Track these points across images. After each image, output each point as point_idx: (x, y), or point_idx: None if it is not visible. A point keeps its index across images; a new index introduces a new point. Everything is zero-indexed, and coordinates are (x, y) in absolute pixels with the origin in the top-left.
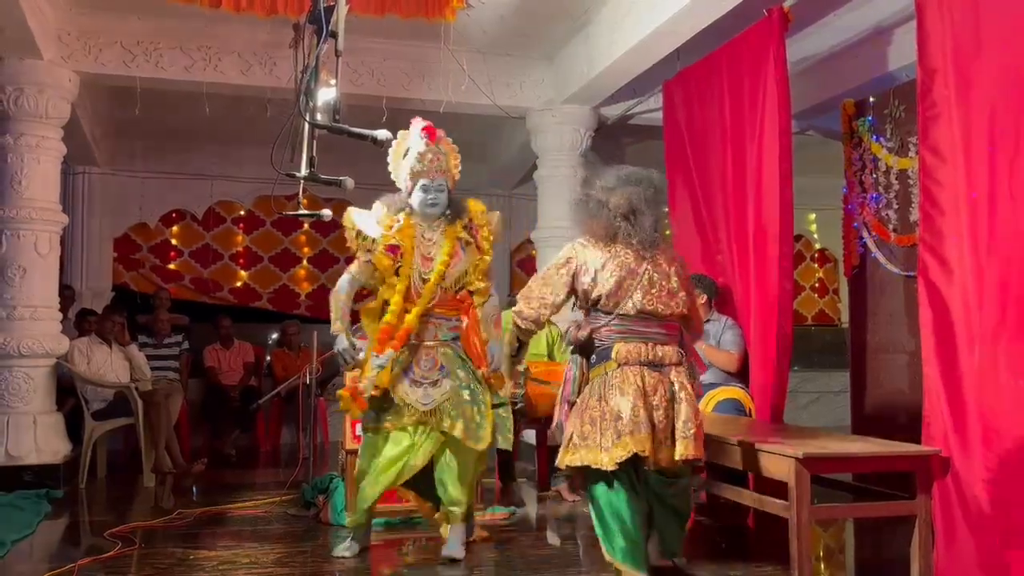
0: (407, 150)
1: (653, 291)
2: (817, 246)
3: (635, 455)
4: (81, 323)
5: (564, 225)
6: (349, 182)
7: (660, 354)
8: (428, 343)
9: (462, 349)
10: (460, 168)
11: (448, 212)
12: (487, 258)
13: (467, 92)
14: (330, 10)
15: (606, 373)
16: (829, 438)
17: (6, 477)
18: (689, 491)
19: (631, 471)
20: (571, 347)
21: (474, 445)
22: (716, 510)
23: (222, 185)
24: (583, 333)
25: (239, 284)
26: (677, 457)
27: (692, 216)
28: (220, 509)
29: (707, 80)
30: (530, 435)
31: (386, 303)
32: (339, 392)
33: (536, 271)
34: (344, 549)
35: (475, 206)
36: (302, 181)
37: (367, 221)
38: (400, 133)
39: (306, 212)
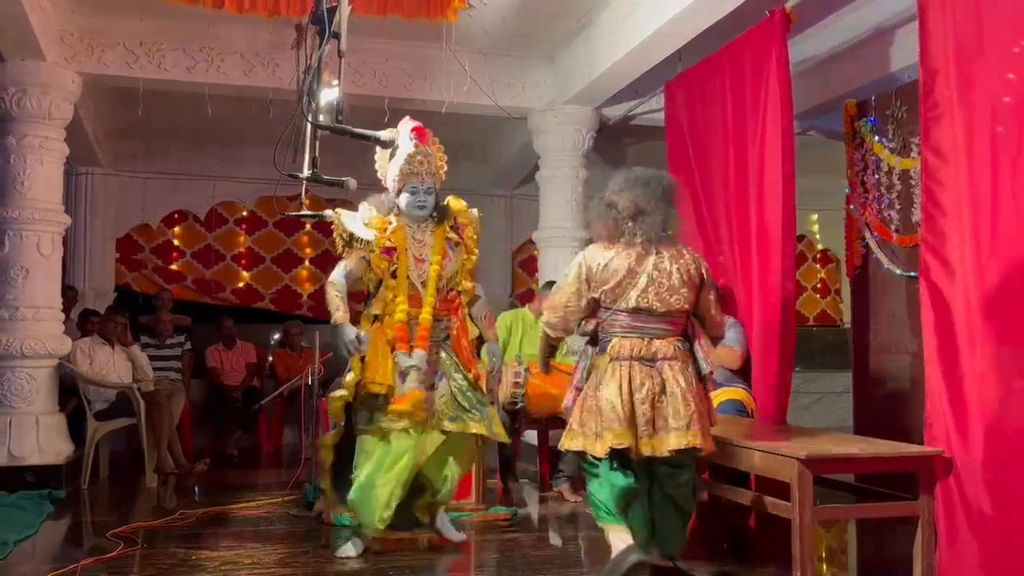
0: (395, 151)
1: (651, 288)
2: (819, 247)
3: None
4: (83, 324)
5: (566, 225)
6: (351, 183)
7: (654, 349)
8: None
9: (453, 350)
10: (446, 169)
11: (435, 214)
12: (474, 257)
13: (469, 93)
14: (333, 11)
15: (601, 366)
16: (831, 439)
17: (9, 477)
18: (692, 487)
19: (625, 456)
20: (584, 336)
21: (497, 437)
22: (718, 511)
23: (224, 186)
24: (589, 327)
25: (241, 285)
26: (666, 450)
27: (694, 217)
28: (222, 509)
29: (709, 81)
30: (531, 435)
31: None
32: (402, 408)
33: (537, 271)
34: (347, 549)
35: (457, 204)
36: (304, 182)
37: (357, 224)
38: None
39: (308, 213)
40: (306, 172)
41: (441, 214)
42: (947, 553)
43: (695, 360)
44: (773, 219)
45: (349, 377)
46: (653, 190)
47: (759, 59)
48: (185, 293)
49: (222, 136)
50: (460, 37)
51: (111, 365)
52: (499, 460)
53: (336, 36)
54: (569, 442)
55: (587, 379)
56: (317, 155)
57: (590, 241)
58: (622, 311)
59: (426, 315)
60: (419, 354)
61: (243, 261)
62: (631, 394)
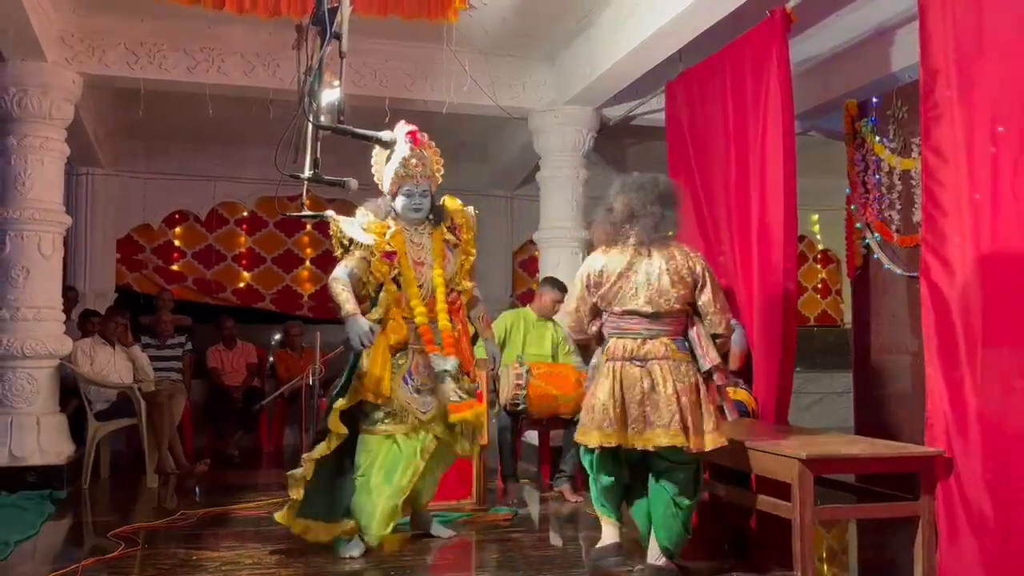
0: (391, 154)
1: (641, 290)
2: (820, 247)
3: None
4: (84, 324)
5: (566, 226)
6: (352, 183)
7: (646, 349)
8: (424, 347)
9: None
10: (445, 170)
11: (431, 216)
12: (472, 258)
13: (469, 93)
14: (334, 11)
15: (600, 366)
16: (832, 439)
17: (10, 478)
18: (691, 485)
19: (614, 456)
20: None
21: (470, 449)
22: (719, 511)
23: (225, 186)
24: (593, 328)
25: (242, 285)
26: (651, 446)
27: (695, 217)
28: (223, 510)
29: (710, 81)
30: (532, 436)
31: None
32: (465, 415)
33: (538, 272)
34: (350, 549)
35: (452, 204)
36: (305, 182)
37: (355, 229)
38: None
39: (309, 213)
40: (307, 172)
41: (438, 216)
42: (947, 553)
43: (686, 360)
44: (774, 219)
45: (340, 403)
46: (647, 193)
47: (760, 59)
48: (186, 293)
49: (223, 136)
50: (460, 38)
51: (112, 365)
52: (500, 460)
53: (337, 37)
54: (578, 434)
55: (592, 377)
56: (318, 155)
57: (590, 242)
58: (616, 313)
59: (444, 322)
60: (453, 361)
61: (244, 261)
62: (622, 393)
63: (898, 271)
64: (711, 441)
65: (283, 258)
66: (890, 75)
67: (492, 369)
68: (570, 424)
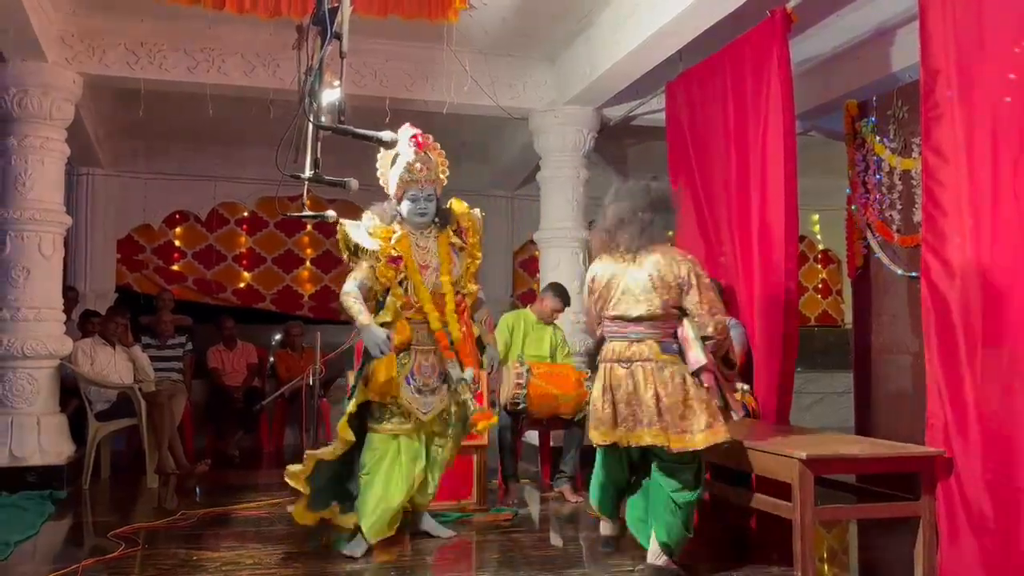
0: (396, 158)
1: (626, 295)
2: (820, 247)
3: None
4: (85, 324)
5: (567, 226)
6: (353, 183)
7: (632, 351)
8: (426, 348)
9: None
10: (448, 173)
11: (437, 219)
12: (477, 261)
13: (469, 93)
14: (334, 12)
15: (598, 368)
16: (832, 439)
17: (10, 478)
18: (690, 482)
19: (615, 457)
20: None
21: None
22: (719, 511)
23: (225, 186)
24: (598, 331)
25: (242, 285)
26: (639, 444)
27: (695, 217)
28: (224, 510)
29: (710, 81)
30: (532, 436)
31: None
32: (490, 423)
33: (538, 272)
34: (352, 548)
35: (459, 207)
36: (306, 182)
37: (361, 234)
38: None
39: (310, 213)
40: (308, 173)
41: (444, 219)
42: (948, 553)
43: (671, 361)
44: (775, 219)
45: (349, 406)
46: (637, 200)
47: (760, 59)
48: (186, 294)
49: (223, 136)
50: (461, 38)
51: (112, 366)
52: (500, 460)
53: (338, 37)
54: (588, 433)
55: (593, 378)
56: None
57: (590, 243)
58: (609, 317)
59: (456, 330)
60: (470, 372)
61: (244, 262)
62: (612, 393)
63: (898, 271)
64: (703, 439)
65: (283, 258)
66: (890, 75)
67: (491, 373)
68: (570, 424)
